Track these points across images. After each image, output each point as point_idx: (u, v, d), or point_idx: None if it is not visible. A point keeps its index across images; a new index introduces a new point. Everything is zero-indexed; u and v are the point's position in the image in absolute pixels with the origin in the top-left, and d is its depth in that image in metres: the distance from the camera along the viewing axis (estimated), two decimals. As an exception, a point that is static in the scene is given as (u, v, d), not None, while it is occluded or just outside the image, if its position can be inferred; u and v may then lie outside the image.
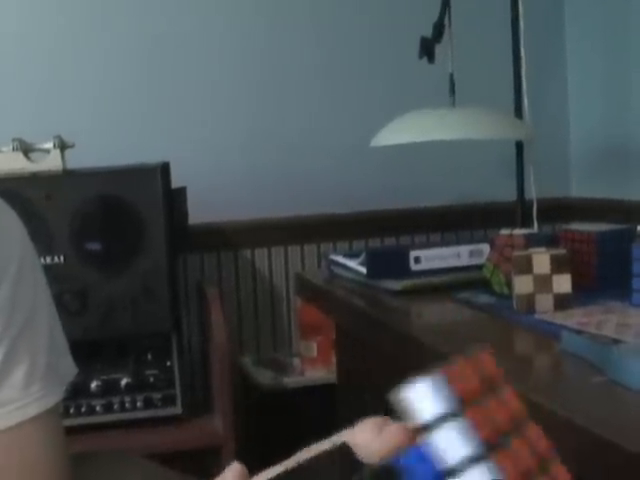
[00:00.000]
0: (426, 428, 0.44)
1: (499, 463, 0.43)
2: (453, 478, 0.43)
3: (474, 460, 0.43)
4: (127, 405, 2.00)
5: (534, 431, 0.48)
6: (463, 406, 0.44)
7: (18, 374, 0.82)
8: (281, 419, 2.16)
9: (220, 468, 0.50)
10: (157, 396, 2.01)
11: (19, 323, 0.83)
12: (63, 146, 1.96)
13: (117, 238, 1.92)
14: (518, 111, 1.93)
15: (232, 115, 2.38)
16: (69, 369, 0.90)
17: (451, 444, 0.43)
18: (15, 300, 0.83)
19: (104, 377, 1.99)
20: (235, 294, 2.39)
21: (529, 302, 1.34)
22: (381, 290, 1.62)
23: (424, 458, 0.44)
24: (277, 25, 2.40)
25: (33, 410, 0.82)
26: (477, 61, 2.40)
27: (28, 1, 2.27)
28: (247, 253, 2.40)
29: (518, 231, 1.53)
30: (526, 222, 1.85)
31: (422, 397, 0.45)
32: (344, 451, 0.49)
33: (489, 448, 0.43)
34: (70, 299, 1.88)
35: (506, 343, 1.30)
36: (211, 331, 2.04)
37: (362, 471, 0.46)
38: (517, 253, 1.38)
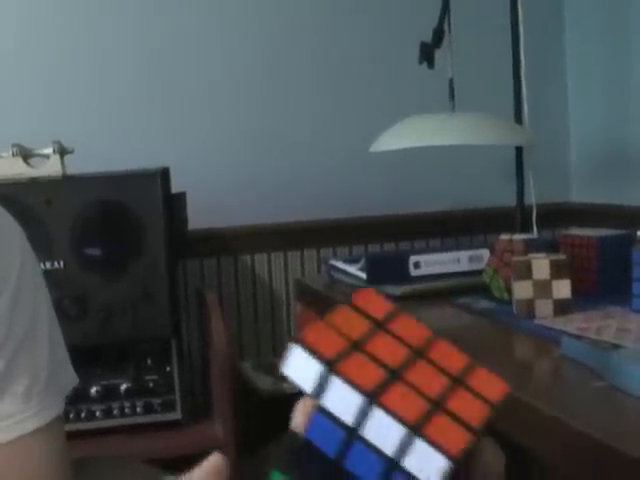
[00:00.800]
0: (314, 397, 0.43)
1: (385, 403, 0.42)
2: (353, 437, 0.42)
3: (363, 411, 0.42)
4: (127, 410, 2.00)
5: (441, 349, 0.46)
6: (333, 364, 0.44)
7: (18, 388, 0.80)
8: (281, 424, 2.15)
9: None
10: (157, 401, 2.01)
11: (19, 336, 0.81)
12: (63, 151, 1.96)
13: (117, 243, 1.92)
14: (518, 116, 1.93)
15: (232, 120, 2.38)
16: (70, 379, 0.88)
17: (337, 406, 0.43)
18: (15, 311, 0.81)
19: (104, 382, 1.99)
20: (235, 299, 2.39)
21: (529, 307, 1.34)
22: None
23: (321, 428, 0.43)
24: (277, 31, 2.40)
25: (32, 425, 0.81)
26: (477, 66, 2.40)
27: (27, 6, 2.27)
28: (247, 258, 2.40)
29: (518, 236, 1.53)
30: (526, 227, 1.85)
31: (293, 370, 0.45)
32: None
33: (373, 393, 0.42)
34: (70, 304, 1.88)
35: (506, 348, 1.30)
36: (211, 336, 2.04)
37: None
38: (517, 258, 1.38)
